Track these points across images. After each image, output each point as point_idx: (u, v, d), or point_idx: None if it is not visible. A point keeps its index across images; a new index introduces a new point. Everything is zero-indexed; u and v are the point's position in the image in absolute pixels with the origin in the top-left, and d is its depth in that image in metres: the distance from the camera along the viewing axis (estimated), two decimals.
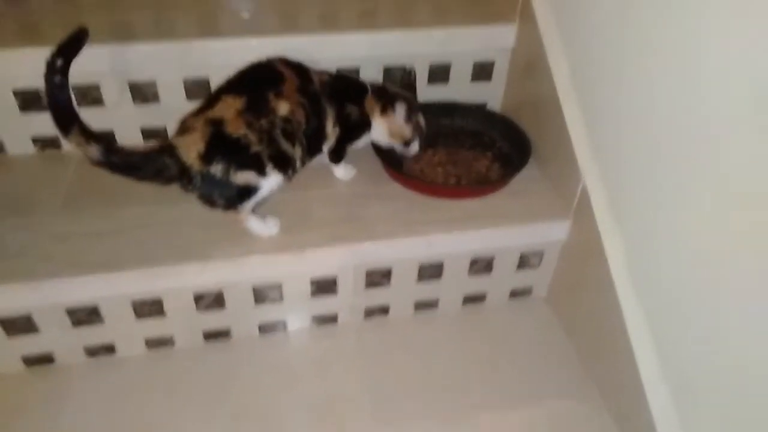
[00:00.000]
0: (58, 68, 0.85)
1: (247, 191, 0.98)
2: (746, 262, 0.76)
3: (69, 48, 0.87)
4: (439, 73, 1.32)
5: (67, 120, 0.86)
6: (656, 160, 0.90)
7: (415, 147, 1.18)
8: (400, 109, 1.12)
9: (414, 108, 1.14)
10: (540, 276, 1.24)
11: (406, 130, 1.14)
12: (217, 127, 0.93)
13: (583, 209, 1.08)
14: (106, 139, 0.88)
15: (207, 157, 0.92)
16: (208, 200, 0.98)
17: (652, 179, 0.92)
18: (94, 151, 0.87)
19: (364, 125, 1.15)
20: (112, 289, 1.00)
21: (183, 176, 0.93)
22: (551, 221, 1.14)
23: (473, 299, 1.25)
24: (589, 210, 1.05)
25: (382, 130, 1.15)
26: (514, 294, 1.26)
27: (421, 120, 1.16)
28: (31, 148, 1.21)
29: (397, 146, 1.17)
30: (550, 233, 1.16)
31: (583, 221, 1.08)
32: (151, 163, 0.91)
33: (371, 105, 1.14)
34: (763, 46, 0.70)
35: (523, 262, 1.20)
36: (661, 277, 0.92)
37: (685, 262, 0.87)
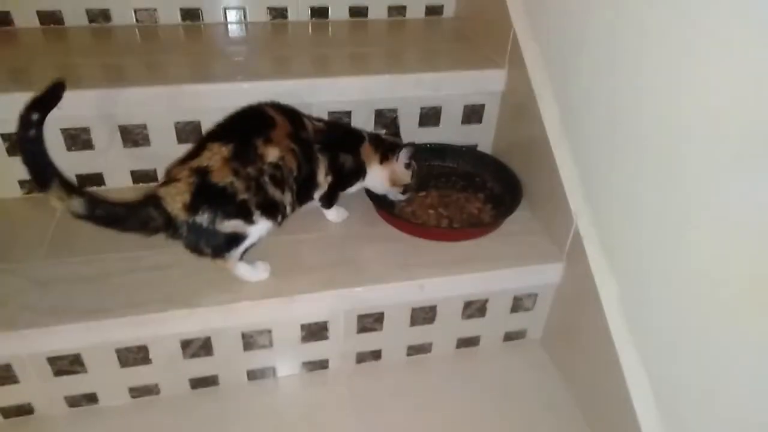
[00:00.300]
0: (33, 122, 0.81)
1: (235, 239, 0.96)
2: (743, 307, 0.75)
3: (45, 102, 0.84)
4: (430, 116, 1.33)
5: (45, 175, 0.83)
6: (649, 204, 0.90)
7: (409, 193, 1.19)
8: (404, 156, 1.12)
9: (412, 154, 1.14)
10: (534, 319, 1.22)
11: (406, 177, 1.15)
12: (202, 176, 0.92)
13: (576, 252, 1.07)
14: (88, 192, 0.86)
15: (192, 207, 0.91)
16: (195, 249, 0.96)
17: (644, 222, 0.92)
18: (77, 205, 0.84)
19: (359, 173, 1.14)
20: (95, 337, 0.97)
21: (169, 227, 0.92)
22: (544, 264, 1.13)
23: (467, 343, 1.22)
24: (582, 252, 1.05)
25: (382, 178, 1.14)
26: (509, 337, 1.24)
27: (414, 164, 1.17)
28: (17, 192, 1.19)
29: (393, 193, 1.17)
30: (544, 276, 1.14)
31: (577, 264, 1.07)
32: (136, 215, 0.90)
33: (368, 153, 1.13)
34: (752, 89, 0.71)
35: (517, 305, 1.19)
36: (657, 320, 0.91)
37: (680, 305, 0.86)
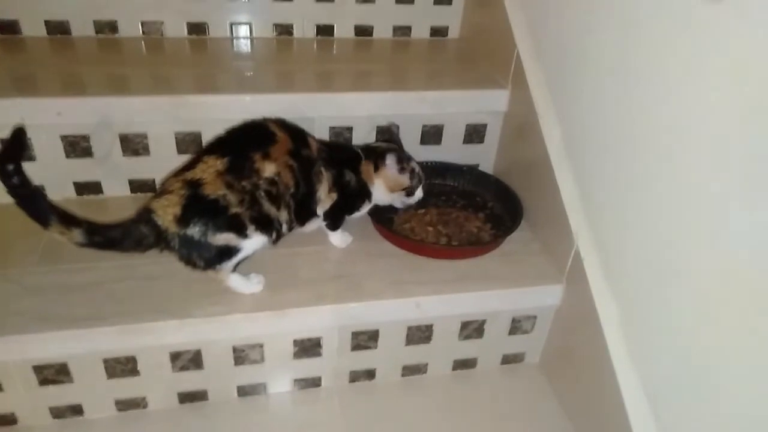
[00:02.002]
0: (11, 172, 0.85)
1: (228, 252, 0.95)
2: (745, 333, 0.73)
3: (12, 151, 0.88)
4: (432, 135, 1.33)
5: (42, 215, 0.86)
6: (651, 226, 0.89)
7: (418, 194, 1.15)
8: (390, 161, 1.10)
9: (403, 156, 1.13)
10: (533, 341, 1.20)
11: (403, 179, 1.12)
12: (194, 188, 0.91)
13: (576, 274, 1.05)
14: (85, 221, 0.88)
15: (183, 220, 0.91)
16: (189, 262, 0.95)
17: (646, 245, 0.90)
18: (77, 235, 0.87)
19: (364, 194, 1.13)
20: (83, 345, 0.95)
21: (160, 241, 0.92)
22: (544, 285, 1.11)
23: (464, 364, 1.20)
24: (582, 275, 1.03)
25: (382, 187, 1.12)
26: (506, 360, 1.22)
27: (415, 165, 1.14)
28: (10, 198, 1.18)
29: (400, 199, 1.15)
30: (543, 298, 1.12)
31: (577, 286, 1.05)
32: (130, 235, 0.91)
33: (366, 169, 1.12)
34: (756, 117, 0.70)
35: (516, 326, 1.16)
36: (657, 345, 0.89)
37: (682, 330, 0.84)
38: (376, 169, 1.12)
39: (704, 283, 0.79)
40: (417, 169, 1.14)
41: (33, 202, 0.87)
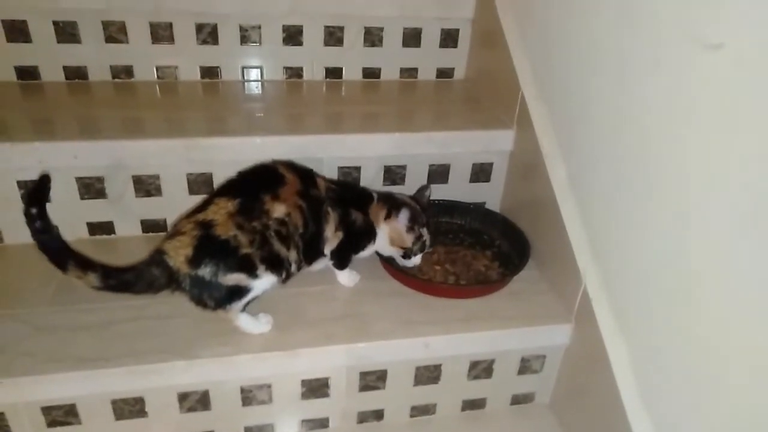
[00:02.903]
0: (35, 216, 0.89)
1: (238, 292, 0.96)
2: (761, 374, 0.72)
3: (37, 195, 0.91)
4: (439, 174, 1.35)
5: (61, 258, 0.89)
6: (659, 265, 0.89)
7: (414, 260, 1.15)
8: (403, 216, 1.10)
9: (419, 219, 1.12)
10: (542, 382, 1.19)
11: (407, 239, 1.12)
12: (206, 229, 0.93)
13: (585, 313, 1.05)
14: (100, 265, 0.90)
15: (195, 260, 0.92)
16: (198, 301, 0.96)
17: (655, 285, 0.90)
18: (93, 279, 0.89)
19: (370, 234, 1.13)
20: (92, 386, 0.95)
21: (172, 282, 0.93)
22: (553, 325, 1.10)
23: (473, 405, 1.18)
24: (591, 314, 1.02)
25: (386, 236, 1.13)
26: (516, 400, 1.20)
27: (425, 234, 1.13)
28: (28, 238, 1.20)
29: (397, 255, 1.15)
30: (552, 337, 1.12)
31: (586, 325, 1.05)
32: (143, 278, 0.92)
33: (376, 212, 1.13)
34: (759, 162, 0.71)
35: (525, 366, 1.15)
36: (669, 385, 0.88)
37: (694, 370, 0.83)
38: (388, 216, 1.12)
39: (717, 323, 0.79)
40: (425, 237, 1.13)
41: (53, 247, 0.90)
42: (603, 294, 1.03)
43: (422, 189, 1.21)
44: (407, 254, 1.14)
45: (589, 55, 1.05)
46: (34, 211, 0.89)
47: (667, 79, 0.85)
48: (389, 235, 1.13)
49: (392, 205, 1.13)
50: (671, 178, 0.85)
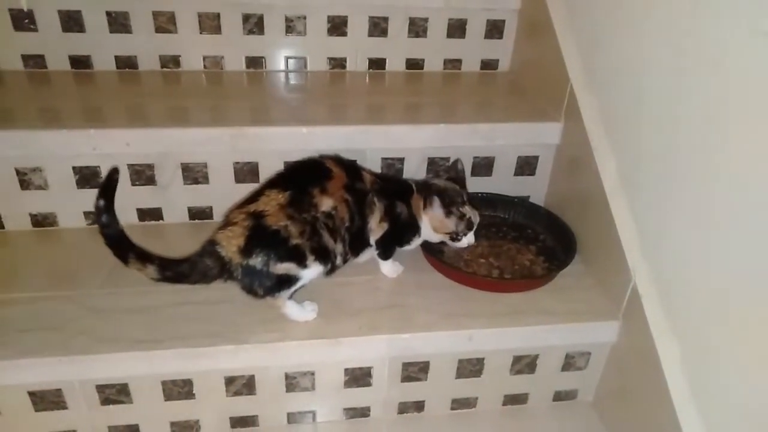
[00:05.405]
0: (102, 209, 0.93)
1: (287, 281, 0.98)
2: None
3: (106, 189, 0.94)
4: (483, 166, 1.34)
5: (123, 251, 0.94)
6: (713, 261, 0.86)
7: (465, 240, 1.13)
8: (437, 204, 1.09)
9: (456, 200, 1.11)
10: (586, 379, 1.17)
11: (449, 223, 1.11)
12: (257, 219, 0.95)
13: (633, 310, 1.03)
14: (157, 258, 0.94)
15: (247, 250, 0.94)
16: (250, 290, 0.98)
17: (712, 283, 0.87)
18: (152, 271, 0.93)
19: (414, 227, 1.12)
20: (143, 367, 0.98)
21: (224, 272, 0.96)
22: (599, 322, 1.08)
23: (514, 400, 1.17)
24: (640, 311, 1.00)
25: (428, 225, 1.12)
26: (558, 397, 1.19)
27: (468, 210, 1.11)
28: (82, 222, 1.25)
29: (448, 240, 1.14)
30: (598, 334, 1.10)
31: (634, 323, 1.03)
32: (197, 269, 0.95)
33: (417, 204, 1.12)
34: None
35: (569, 363, 1.14)
36: (724, 385, 0.85)
37: (749, 369, 0.80)
38: (425, 206, 1.12)
39: None
40: (469, 214, 1.11)
41: (116, 241, 0.94)
42: (653, 291, 1.00)
43: (454, 164, 1.21)
44: (453, 237, 1.12)
45: (644, 45, 1.02)
46: (102, 204, 0.92)
47: (730, 71, 0.82)
48: (432, 225, 1.12)
49: (426, 194, 1.12)
50: (732, 173, 0.82)
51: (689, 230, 0.92)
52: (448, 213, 1.10)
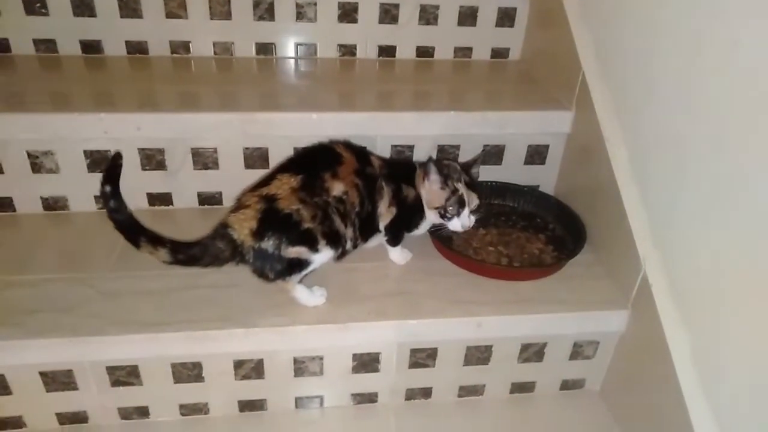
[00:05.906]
0: (108, 194, 0.93)
1: (298, 264, 0.98)
2: None
3: (111, 174, 0.94)
4: (493, 155, 1.33)
5: (134, 235, 0.94)
6: (725, 252, 0.86)
7: (457, 222, 1.06)
8: (431, 171, 1.04)
9: (452, 174, 1.06)
10: (594, 368, 1.17)
11: (440, 196, 1.05)
12: (270, 203, 0.95)
13: (643, 300, 1.02)
14: (169, 241, 0.94)
15: (258, 233, 0.94)
16: (261, 274, 0.99)
17: (721, 271, 0.87)
18: (163, 254, 0.94)
19: (421, 209, 1.10)
20: (153, 349, 0.99)
21: (236, 255, 0.96)
22: (608, 311, 1.08)
23: (522, 388, 1.18)
24: (650, 301, 1.00)
25: (425, 200, 1.09)
26: (566, 386, 1.19)
27: (461, 188, 1.06)
28: (93, 206, 1.25)
29: (442, 220, 1.08)
30: (607, 323, 1.10)
31: (644, 312, 1.02)
32: (209, 252, 0.96)
33: (419, 180, 1.10)
34: None
35: (577, 351, 1.14)
36: (734, 376, 0.85)
37: (759, 359, 0.80)
38: (423, 179, 1.09)
39: None
40: (461, 191, 1.05)
41: (126, 225, 0.95)
42: (664, 281, 1.00)
43: (473, 162, 1.14)
44: (443, 214, 1.06)
45: (659, 33, 1.01)
46: (107, 189, 0.93)
47: (747, 60, 0.81)
48: (426, 199, 1.09)
49: (424, 165, 1.08)
50: (747, 164, 0.81)
51: (701, 220, 0.91)
52: (442, 185, 1.06)
